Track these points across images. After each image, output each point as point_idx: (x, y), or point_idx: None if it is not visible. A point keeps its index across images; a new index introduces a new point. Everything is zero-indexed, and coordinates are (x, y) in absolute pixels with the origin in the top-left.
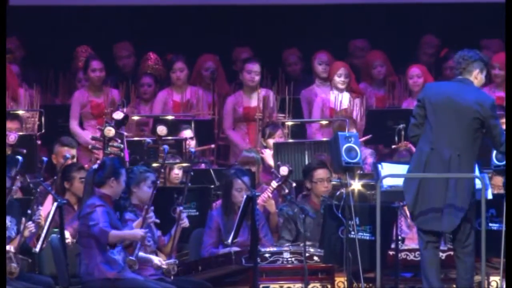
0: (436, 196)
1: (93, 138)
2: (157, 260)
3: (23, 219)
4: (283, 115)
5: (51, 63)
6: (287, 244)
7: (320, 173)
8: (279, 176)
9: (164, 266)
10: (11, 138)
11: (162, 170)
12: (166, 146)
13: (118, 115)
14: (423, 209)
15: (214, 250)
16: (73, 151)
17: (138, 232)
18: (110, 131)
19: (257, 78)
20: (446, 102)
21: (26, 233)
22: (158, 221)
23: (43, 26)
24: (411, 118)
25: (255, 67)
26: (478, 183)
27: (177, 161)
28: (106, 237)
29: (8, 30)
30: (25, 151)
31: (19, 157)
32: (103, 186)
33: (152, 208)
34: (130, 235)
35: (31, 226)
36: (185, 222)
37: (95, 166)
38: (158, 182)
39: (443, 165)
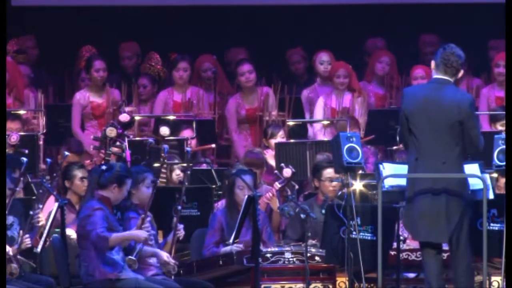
0: (434, 211)
1: (95, 138)
2: (165, 255)
3: (21, 231)
4: (283, 113)
5: (56, 63)
6: (290, 244)
7: (329, 172)
8: (282, 178)
9: (172, 262)
10: (13, 138)
11: (164, 170)
12: (166, 146)
13: (125, 117)
14: (423, 224)
15: (215, 249)
16: (78, 158)
17: (142, 233)
18: (112, 132)
19: (251, 77)
20: (424, 111)
21: (23, 246)
22: (154, 232)
23: (44, 26)
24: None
25: (247, 68)
26: (479, 183)
27: (176, 161)
28: (106, 242)
29: (24, 30)
30: (27, 151)
31: (24, 159)
32: (105, 189)
33: (149, 218)
34: (132, 236)
35: (27, 240)
36: (181, 233)
37: (104, 166)
38: (158, 181)
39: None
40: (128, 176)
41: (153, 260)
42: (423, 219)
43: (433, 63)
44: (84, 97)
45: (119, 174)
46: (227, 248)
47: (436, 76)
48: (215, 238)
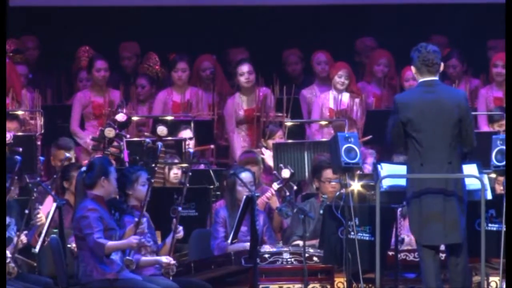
0: (437, 214)
1: (93, 139)
2: (165, 258)
3: (17, 232)
4: (281, 114)
5: (55, 64)
6: (296, 241)
7: (329, 173)
8: (281, 178)
9: (172, 262)
10: (7, 137)
11: (160, 170)
12: (160, 143)
13: (121, 117)
14: (427, 227)
15: (224, 244)
16: (70, 153)
17: (133, 240)
18: (111, 132)
19: (251, 77)
20: (423, 115)
21: (20, 244)
22: (152, 233)
23: (44, 27)
24: (390, 128)
25: (247, 68)
26: (477, 184)
27: (176, 161)
28: (102, 250)
29: (24, 30)
30: (21, 149)
31: (18, 157)
32: (95, 187)
33: (145, 219)
34: (125, 244)
35: (24, 238)
36: (181, 234)
37: (84, 168)
38: (153, 181)
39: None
40: (109, 164)
41: None
42: (435, 222)
43: (413, 69)
44: (85, 97)
45: (102, 166)
46: (240, 245)
47: (422, 79)
48: (222, 233)
